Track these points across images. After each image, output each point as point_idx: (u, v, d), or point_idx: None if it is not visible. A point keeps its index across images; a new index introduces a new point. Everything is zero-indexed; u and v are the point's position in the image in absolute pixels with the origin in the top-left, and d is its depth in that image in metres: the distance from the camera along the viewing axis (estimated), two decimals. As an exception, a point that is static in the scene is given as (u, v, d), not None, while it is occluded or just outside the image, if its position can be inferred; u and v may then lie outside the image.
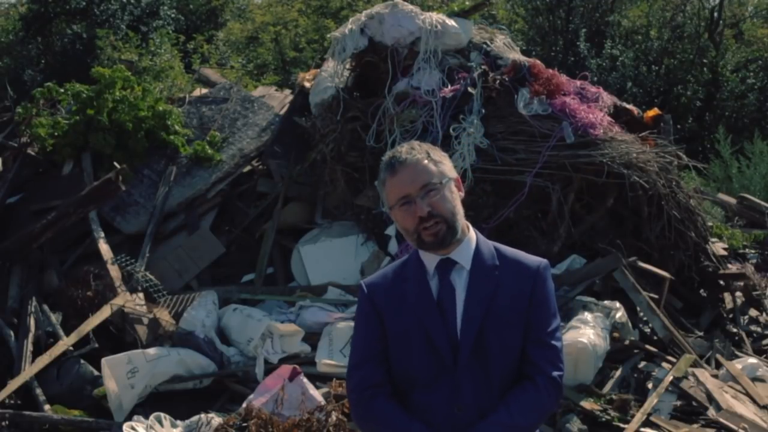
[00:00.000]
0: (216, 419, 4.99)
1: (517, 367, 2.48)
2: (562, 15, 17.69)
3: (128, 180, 7.53)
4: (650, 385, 5.53)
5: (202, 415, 5.09)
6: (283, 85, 13.03)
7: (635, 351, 5.93)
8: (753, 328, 7.29)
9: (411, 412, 2.47)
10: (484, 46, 7.67)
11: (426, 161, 2.45)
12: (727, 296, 7.48)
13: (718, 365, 5.98)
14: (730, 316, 7.29)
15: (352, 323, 6.06)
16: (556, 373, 2.47)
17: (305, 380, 5.08)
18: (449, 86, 7.20)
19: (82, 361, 6.07)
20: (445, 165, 2.49)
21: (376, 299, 2.54)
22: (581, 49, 16.03)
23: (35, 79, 15.20)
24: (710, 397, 5.29)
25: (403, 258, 2.62)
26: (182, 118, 8.48)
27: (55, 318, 6.51)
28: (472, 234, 2.55)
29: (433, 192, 2.42)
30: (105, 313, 6.40)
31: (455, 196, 2.48)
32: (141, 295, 6.73)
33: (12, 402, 5.75)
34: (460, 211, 2.48)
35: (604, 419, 5.09)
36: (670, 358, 5.83)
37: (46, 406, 5.71)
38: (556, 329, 2.52)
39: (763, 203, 10.07)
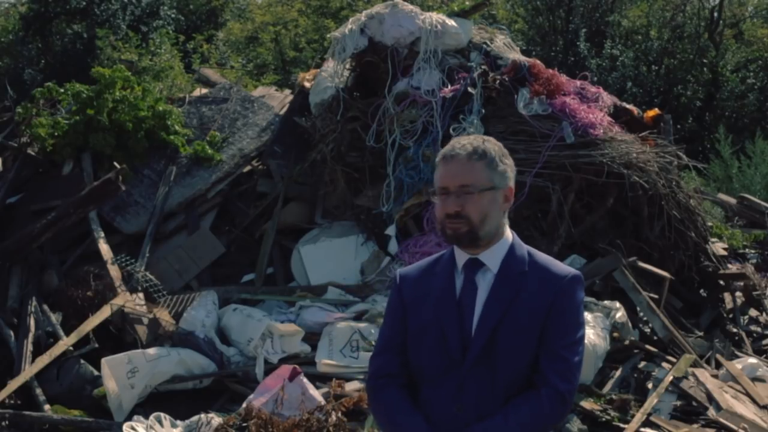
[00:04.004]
0: (216, 419, 5.00)
1: (526, 376, 2.44)
2: (562, 15, 17.70)
3: (128, 180, 7.52)
4: (650, 385, 5.53)
5: (202, 415, 5.09)
6: (283, 85, 13.04)
7: (635, 351, 5.93)
8: (753, 328, 7.29)
9: (418, 405, 2.50)
10: (484, 46, 7.66)
11: (478, 162, 2.44)
12: (727, 296, 7.48)
13: (718, 365, 5.98)
14: (730, 316, 7.30)
15: (352, 323, 6.08)
16: (564, 387, 2.40)
17: (305, 380, 5.08)
18: (449, 86, 7.20)
19: (82, 361, 6.07)
20: (497, 173, 2.47)
21: (404, 290, 2.58)
22: (581, 49, 16.04)
23: (35, 79, 15.19)
24: (710, 397, 5.29)
25: (441, 252, 2.63)
26: (182, 118, 8.49)
27: (55, 318, 6.51)
28: (509, 237, 2.54)
29: (469, 195, 2.43)
30: (105, 313, 6.40)
31: (494, 205, 2.46)
32: (141, 295, 6.74)
33: (12, 402, 5.75)
34: (493, 219, 2.46)
35: (604, 419, 5.09)
36: (670, 358, 5.83)
37: (46, 406, 5.70)
38: (575, 343, 2.44)
39: (763, 203, 10.07)
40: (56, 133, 8.04)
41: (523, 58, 7.57)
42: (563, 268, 2.52)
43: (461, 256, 2.52)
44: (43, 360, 6.01)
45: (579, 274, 2.51)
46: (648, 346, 5.98)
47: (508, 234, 2.54)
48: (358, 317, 6.27)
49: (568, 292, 2.46)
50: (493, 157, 2.47)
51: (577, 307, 2.48)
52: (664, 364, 5.74)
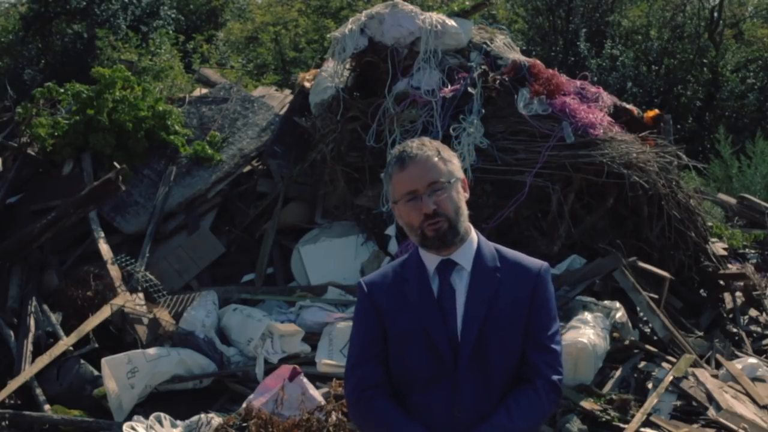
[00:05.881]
0: (216, 419, 5.00)
1: (516, 370, 2.48)
2: (562, 15, 17.70)
3: (128, 180, 7.52)
4: (650, 385, 5.53)
5: (202, 415, 5.09)
6: (283, 85, 13.04)
7: (635, 351, 5.92)
8: (753, 328, 7.29)
9: (409, 413, 2.47)
10: (484, 46, 7.66)
11: (436, 159, 2.45)
12: (727, 296, 7.48)
13: (718, 365, 5.98)
14: (730, 316, 7.29)
15: (351, 323, 6.06)
16: (555, 377, 2.47)
17: (305, 380, 5.07)
18: (449, 86, 7.19)
19: (82, 361, 6.07)
20: (453, 164, 2.49)
21: (376, 298, 2.53)
22: (581, 49, 16.04)
23: (35, 79, 15.21)
24: (710, 397, 5.29)
25: (402, 258, 2.62)
26: (182, 118, 8.48)
27: (55, 318, 6.51)
28: (474, 236, 2.54)
29: (440, 191, 2.42)
30: (105, 313, 6.40)
31: (460, 197, 2.48)
32: (141, 295, 6.74)
33: (12, 402, 5.75)
34: (464, 211, 2.48)
35: (604, 419, 5.09)
36: (670, 358, 5.83)
37: (46, 406, 5.71)
38: (556, 333, 2.52)
39: (763, 203, 10.07)
40: (56, 133, 8.04)
41: (523, 58, 7.57)
42: (533, 260, 2.57)
43: (432, 259, 2.50)
44: (43, 360, 6.01)
45: (547, 264, 2.58)
46: (648, 346, 5.98)
47: (473, 233, 2.55)
48: (358, 317, 6.27)
49: (544, 283, 2.52)
50: (441, 152, 2.49)
51: (552, 297, 2.55)
52: (664, 364, 5.74)
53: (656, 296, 6.35)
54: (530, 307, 2.48)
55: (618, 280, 6.19)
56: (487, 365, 2.44)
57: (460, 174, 2.50)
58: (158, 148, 8.14)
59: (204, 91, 9.61)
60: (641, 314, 6.39)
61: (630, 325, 6.07)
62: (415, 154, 2.45)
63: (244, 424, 4.77)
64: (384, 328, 2.51)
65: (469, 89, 7.06)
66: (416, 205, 2.43)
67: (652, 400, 5.23)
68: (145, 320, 6.40)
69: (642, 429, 4.99)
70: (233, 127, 8.56)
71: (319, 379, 5.50)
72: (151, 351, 5.87)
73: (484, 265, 2.49)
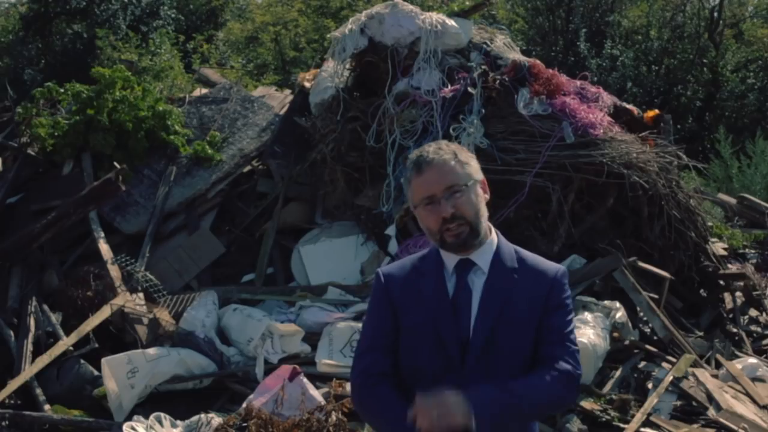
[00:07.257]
0: (216, 419, 4.99)
1: (524, 372, 2.46)
2: (562, 15, 17.71)
3: (128, 180, 7.52)
4: (650, 385, 5.53)
5: (202, 415, 5.09)
6: (283, 85, 13.04)
7: (635, 351, 5.93)
8: (753, 328, 7.29)
9: None
10: (484, 46, 7.66)
11: (453, 162, 2.45)
12: (727, 296, 7.48)
13: (718, 365, 5.98)
14: (730, 316, 7.29)
15: (352, 323, 6.07)
16: (574, 370, 2.45)
17: (305, 380, 5.08)
18: (449, 86, 7.20)
19: (82, 361, 6.07)
20: (471, 166, 2.49)
21: (391, 290, 2.54)
22: (581, 49, 16.05)
23: (35, 79, 15.22)
24: (710, 397, 5.29)
25: (423, 252, 2.61)
26: (182, 118, 8.49)
27: (55, 318, 6.51)
28: (494, 236, 2.55)
29: (458, 193, 2.42)
30: (105, 313, 6.40)
31: (480, 199, 2.48)
32: (141, 295, 6.74)
33: (12, 402, 5.75)
34: (484, 213, 2.48)
35: (604, 419, 5.09)
36: (670, 358, 5.84)
37: (46, 406, 5.70)
38: (571, 332, 2.52)
39: (763, 203, 10.08)
40: (56, 133, 8.04)
41: (523, 58, 7.57)
42: (551, 263, 2.57)
43: (450, 258, 2.50)
44: (43, 360, 6.01)
45: (565, 268, 2.58)
46: (648, 346, 5.98)
47: (493, 233, 2.55)
48: (358, 317, 6.27)
49: (560, 286, 2.52)
50: (459, 154, 2.49)
51: (569, 300, 2.55)
52: (664, 364, 5.74)
53: (656, 296, 6.35)
54: (544, 309, 2.47)
55: (618, 280, 6.20)
56: (495, 366, 2.44)
57: (479, 176, 2.50)
58: (158, 148, 8.14)
59: (204, 91, 9.61)
60: (641, 314, 6.39)
61: (630, 325, 6.07)
62: (431, 159, 2.45)
63: (244, 424, 4.77)
64: (396, 321, 2.52)
65: (469, 89, 7.06)
66: (434, 209, 2.43)
67: (652, 400, 5.23)
68: (145, 320, 6.40)
69: (642, 429, 4.99)
70: (233, 127, 8.56)
71: (319, 379, 5.50)
72: (151, 351, 5.87)
73: (503, 265, 2.50)
